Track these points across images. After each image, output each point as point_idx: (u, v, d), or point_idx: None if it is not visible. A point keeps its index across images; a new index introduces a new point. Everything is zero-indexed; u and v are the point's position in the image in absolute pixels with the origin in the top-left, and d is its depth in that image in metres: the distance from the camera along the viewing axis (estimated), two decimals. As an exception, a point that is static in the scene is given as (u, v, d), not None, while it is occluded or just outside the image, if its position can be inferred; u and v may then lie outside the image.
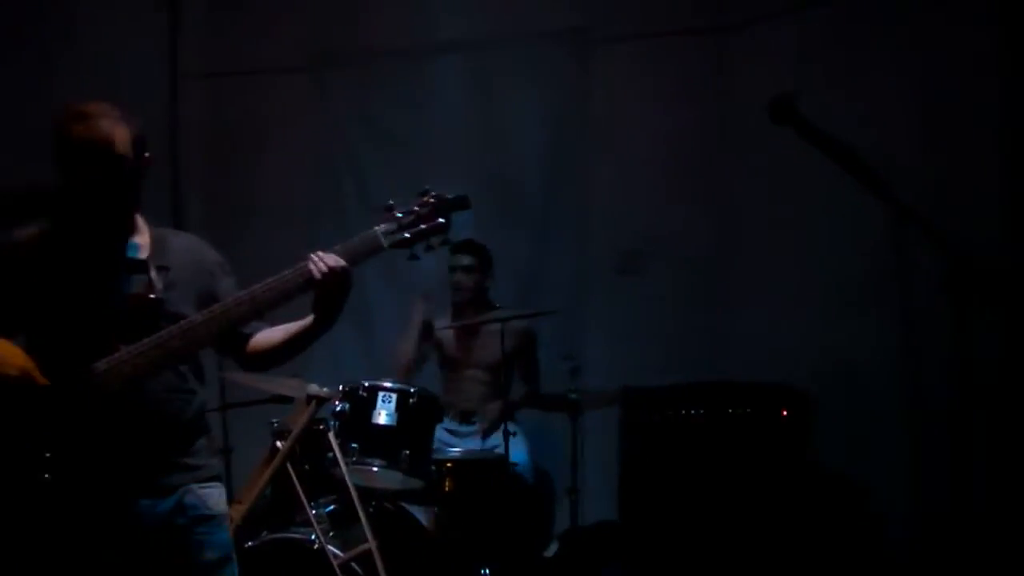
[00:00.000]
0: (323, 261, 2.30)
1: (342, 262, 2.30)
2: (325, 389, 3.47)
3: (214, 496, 2.41)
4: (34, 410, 2.22)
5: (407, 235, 2.34)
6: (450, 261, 4.48)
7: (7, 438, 2.22)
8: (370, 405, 3.70)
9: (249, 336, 2.48)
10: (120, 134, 2.26)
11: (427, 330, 4.56)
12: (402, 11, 5.06)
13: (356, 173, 5.29)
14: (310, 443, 3.59)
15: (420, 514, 4.07)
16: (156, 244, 2.40)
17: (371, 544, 3.25)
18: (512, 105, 5.11)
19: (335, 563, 3.25)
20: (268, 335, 2.49)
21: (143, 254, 2.37)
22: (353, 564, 3.31)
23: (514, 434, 4.16)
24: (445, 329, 4.58)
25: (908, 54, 3.96)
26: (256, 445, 3.55)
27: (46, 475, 2.20)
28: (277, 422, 3.53)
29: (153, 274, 2.33)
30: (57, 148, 2.25)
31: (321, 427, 3.57)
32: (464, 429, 4.47)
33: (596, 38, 5.06)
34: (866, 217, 2.27)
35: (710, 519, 3.31)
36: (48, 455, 2.21)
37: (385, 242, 2.35)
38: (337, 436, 3.53)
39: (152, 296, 2.31)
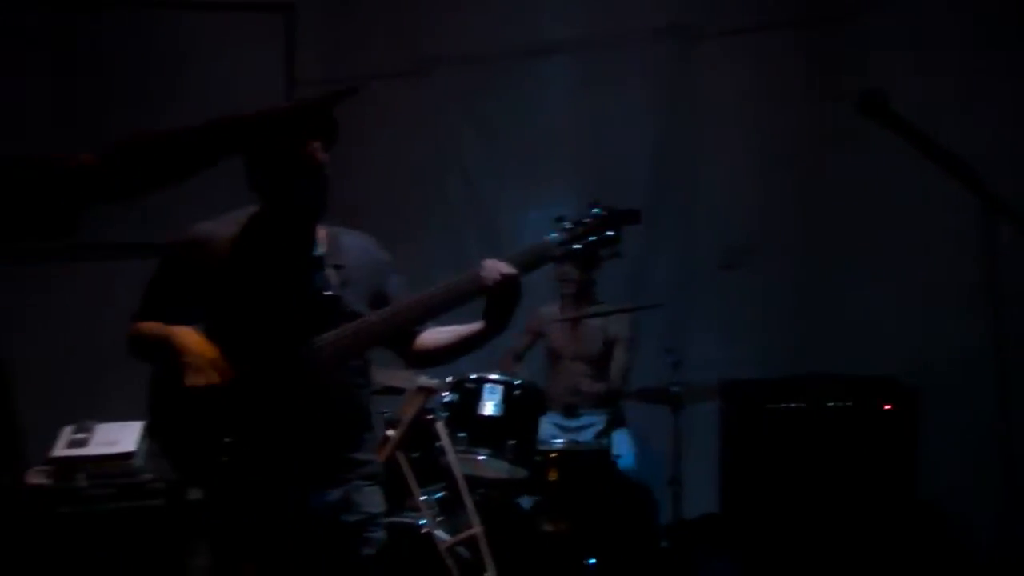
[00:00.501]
0: (496, 269, 2.33)
1: (513, 270, 2.33)
2: (434, 381, 3.62)
3: (376, 496, 2.49)
4: (219, 397, 2.30)
5: (578, 246, 2.37)
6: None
7: (194, 421, 2.32)
8: (477, 396, 3.82)
9: (416, 334, 2.54)
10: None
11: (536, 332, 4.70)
12: (508, 12, 5.17)
13: (463, 174, 5.43)
14: (420, 432, 3.73)
15: (527, 505, 4.22)
16: (331, 242, 2.47)
17: (477, 530, 3.37)
18: (617, 103, 5.17)
19: (442, 547, 3.39)
20: (435, 335, 2.54)
21: (320, 251, 2.43)
22: (459, 548, 3.44)
23: (616, 426, 4.23)
24: (551, 323, 4.68)
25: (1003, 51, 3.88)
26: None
27: (224, 458, 2.31)
28: (388, 412, 3.68)
29: (330, 271, 2.41)
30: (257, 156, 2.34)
31: (430, 417, 3.71)
32: (569, 423, 4.55)
33: (701, 34, 5.08)
34: (967, 212, 2.26)
35: (810, 512, 3.30)
36: (228, 440, 2.30)
37: (557, 252, 2.38)
38: (445, 426, 3.67)
39: (331, 293, 2.38)
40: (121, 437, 3.80)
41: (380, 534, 2.49)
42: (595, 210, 2.39)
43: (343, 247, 2.48)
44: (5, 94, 4.90)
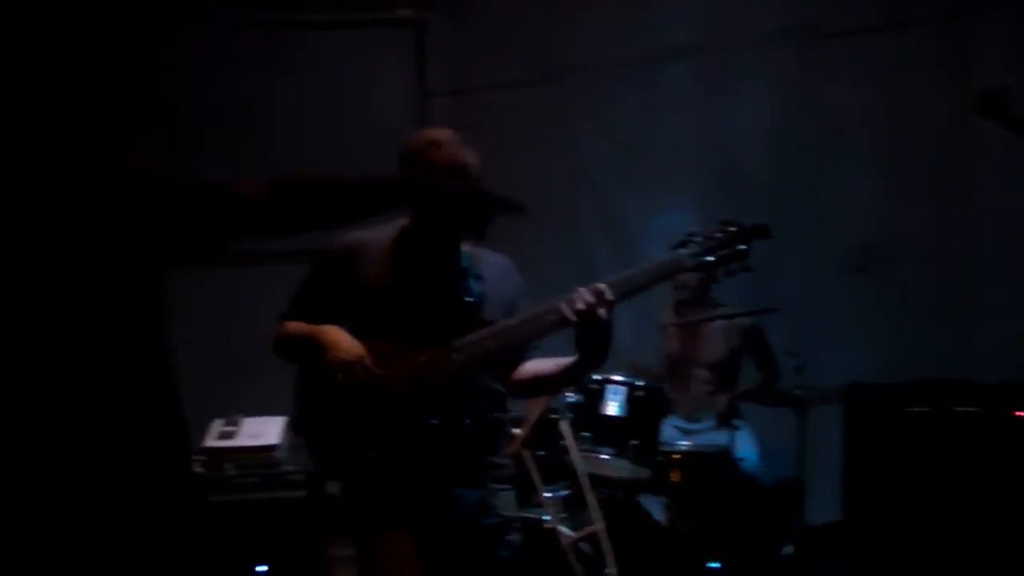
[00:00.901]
0: (578, 300, 2.33)
1: (605, 298, 2.32)
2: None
3: (510, 499, 2.59)
4: (365, 395, 2.41)
5: (710, 258, 2.42)
6: None
7: (338, 417, 2.46)
8: (600, 397, 3.92)
9: (518, 362, 2.56)
10: (472, 157, 2.44)
11: None
12: (630, 20, 5.24)
13: (590, 181, 5.52)
14: (545, 432, 3.84)
15: (655, 506, 4.28)
16: (475, 258, 2.55)
17: (599, 526, 3.46)
18: (742, 105, 5.17)
19: (565, 542, 3.49)
20: (537, 365, 2.57)
21: (466, 264, 2.53)
22: (582, 544, 3.54)
23: (737, 428, 4.24)
24: (668, 326, 4.72)
25: None
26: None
27: (370, 453, 2.43)
28: (514, 412, 3.81)
29: (473, 281, 2.51)
30: (414, 171, 2.41)
31: (555, 416, 3.82)
32: (692, 426, 4.57)
33: (827, 33, 5.04)
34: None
35: (935, 521, 3.25)
36: (375, 435, 2.41)
37: (689, 265, 2.42)
38: (570, 425, 3.78)
39: (474, 301, 2.48)
40: (265, 431, 4.05)
41: (516, 537, 2.57)
42: (725, 225, 2.44)
43: (484, 262, 2.56)
44: (155, 108, 5.26)
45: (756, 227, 2.45)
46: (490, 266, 2.58)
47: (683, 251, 2.43)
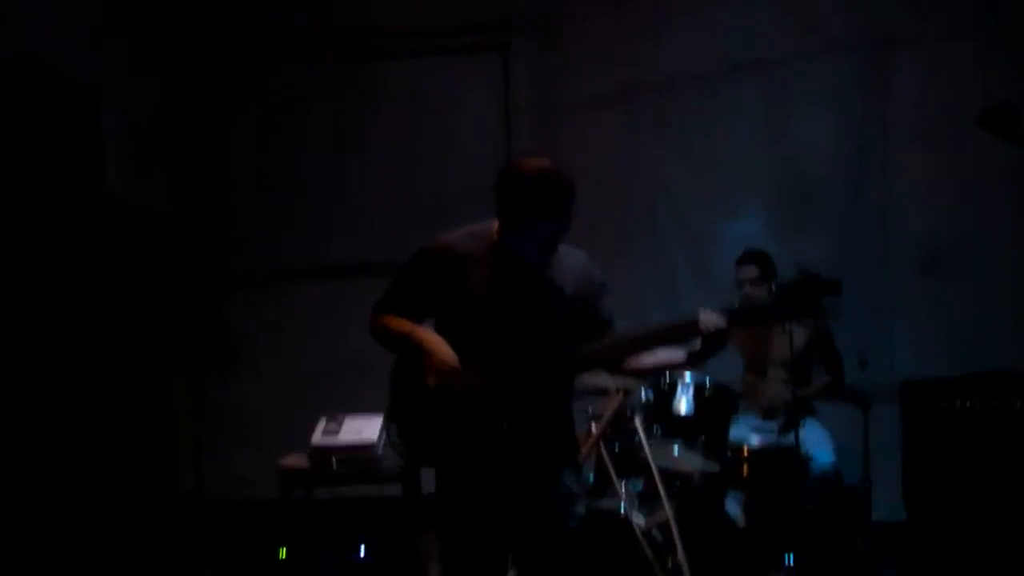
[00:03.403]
0: (712, 323, 2.63)
1: (724, 324, 2.64)
2: (632, 381, 3.98)
3: (572, 477, 2.85)
4: (455, 398, 2.66)
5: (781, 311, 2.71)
6: (736, 274, 4.76)
7: (431, 413, 2.72)
8: (671, 395, 4.16)
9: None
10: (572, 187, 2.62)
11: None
12: (702, 35, 5.47)
13: (666, 195, 5.71)
14: (619, 428, 4.10)
15: (727, 501, 4.47)
16: (555, 260, 2.70)
17: (669, 515, 3.69)
18: (811, 114, 5.34)
19: (638, 531, 3.75)
20: (652, 356, 2.84)
21: (548, 272, 2.70)
22: (655, 533, 3.78)
23: (806, 426, 4.41)
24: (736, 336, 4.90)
25: None
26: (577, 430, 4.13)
27: (505, 425, 2.67)
28: (592, 409, 4.08)
29: (554, 291, 2.69)
30: (518, 195, 2.59)
31: (629, 413, 4.08)
32: (767, 425, 4.73)
33: (895, 41, 5.18)
34: None
35: (995, 514, 3.35)
36: (506, 413, 2.67)
37: (771, 317, 2.83)
38: (643, 422, 4.03)
39: (553, 319, 2.68)
40: (365, 427, 4.39)
41: (580, 509, 2.87)
42: (800, 277, 2.68)
43: (564, 265, 2.73)
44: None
45: (829, 282, 2.66)
46: (570, 268, 2.74)
47: (763, 298, 2.86)
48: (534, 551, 2.76)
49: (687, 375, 4.18)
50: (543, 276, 2.70)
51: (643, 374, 2.98)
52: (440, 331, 2.74)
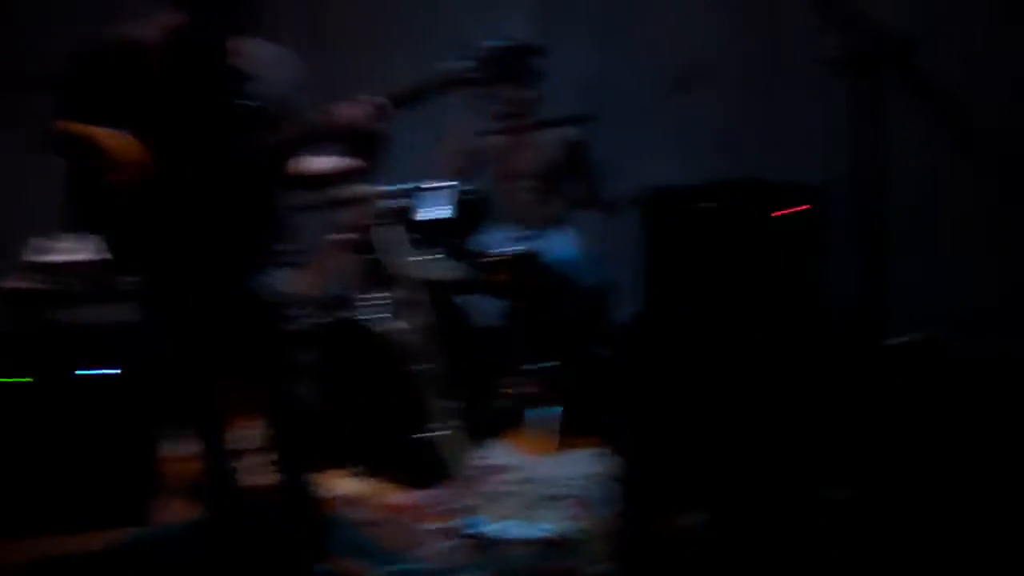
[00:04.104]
0: (351, 110, 2.51)
1: (372, 111, 2.49)
2: (384, 187, 3.87)
3: (294, 278, 2.86)
4: (142, 193, 2.56)
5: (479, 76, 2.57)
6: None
7: (117, 213, 2.59)
8: (425, 202, 4.09)
9: (292, 159, 2.75)
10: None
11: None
12: None
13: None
14: (369, 236, 3.98)
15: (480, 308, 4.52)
16: (248, 55, 2.63)
17: (420, 323, 3.66)
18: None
19: (389, 339, 3.72)
20: (318, 163, 2.77)
21: (240, 63, 2.62)
22: (405, 340, 3.76)
23: (558, 233, 4.50)
24: (488, 138, 4.89)
25: None
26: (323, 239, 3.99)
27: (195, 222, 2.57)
28: (341, 218, 3.94)
29: (247, 82, 2.60)
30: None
31: (381, 221, 3.97)
32: (520, 235, 4.74)
33: None
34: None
35: (727, 306, 3.54)
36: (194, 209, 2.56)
37: (462, 74, 2.57)
38: (394, 229, 3.94)
39: (247, 103, 2.59)
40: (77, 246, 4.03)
41: (301, 310, 2.86)
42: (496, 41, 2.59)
43: (259, 60, 2.64)
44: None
45: (528, 45, 2.63)
46: (266, 64, 2.65)
47: (459, 63, 2.57)
48: (247, 353, 2.72)
49: (438, 182, 4.12)
50: (230, 69, 2.58)
51: (315, 185, 2.82)
52: (119, 127, 2.56)
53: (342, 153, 2.72)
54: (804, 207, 3.51)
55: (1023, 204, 4.12)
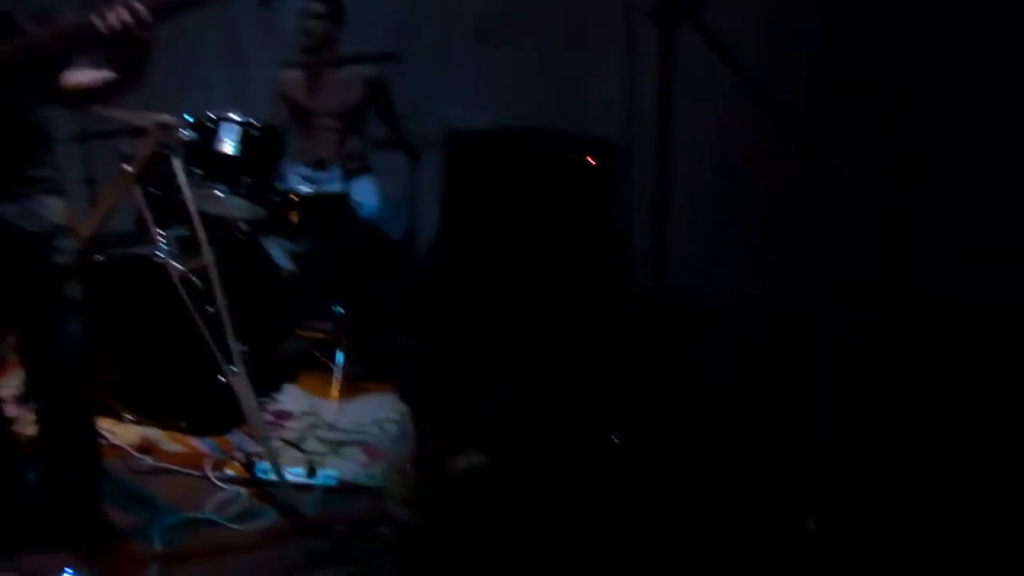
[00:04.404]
0: (114, 16, 2.27)
1: (128, 18, 2.27)
2: (174, 118, 3.63)
3: (59, 206, 2.54)
4: None
5: None
6: (301, 7, 4.57)
7: None
8: (215, 135, 3.88)
9: (60, 71, 2.52)
10: None
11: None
12: None
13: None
14: (158, 169, 3.75)
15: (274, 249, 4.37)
16: None
17: (209, 261, 3.49)
18: None
19: (175, 276, 3.53)
20: (80, 76, 2.53)
21: None
22: (192, 278, 3.57)
23: (359, 176, 4.39)
24: (291, 72, 4.72)
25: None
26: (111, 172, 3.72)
27: None
28: (127, 149, 3.68)
29: None
30: None
31: (167, 153, 3.73)
32: (317, 175, 4.63)
33: None
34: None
35: (517, 260, 3.54)
36: None
37: None
38: (182, 163, 3.70)
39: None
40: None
41: (69, 243, 2.58)
42: None
43: None
44: None
45: None
46: None
47: None
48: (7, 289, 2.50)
49: (232, 114, 3.92)
50: None
51: (84, 99, 2.57)
52: None
53: (101, 65, 2.49)
54: (595, 160, 3.53)
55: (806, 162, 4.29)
